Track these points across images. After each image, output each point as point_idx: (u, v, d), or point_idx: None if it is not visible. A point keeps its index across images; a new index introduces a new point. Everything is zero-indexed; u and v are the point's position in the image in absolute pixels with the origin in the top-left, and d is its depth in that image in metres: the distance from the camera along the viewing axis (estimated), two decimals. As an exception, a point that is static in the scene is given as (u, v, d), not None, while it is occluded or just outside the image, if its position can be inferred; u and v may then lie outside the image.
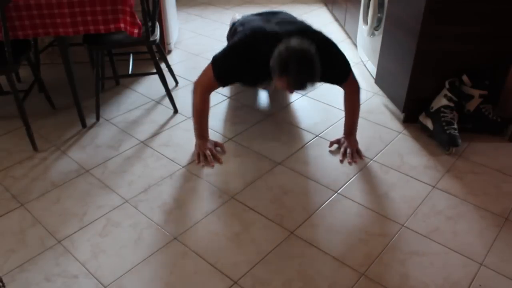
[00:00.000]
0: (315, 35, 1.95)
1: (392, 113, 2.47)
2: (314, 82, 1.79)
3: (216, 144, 2.17)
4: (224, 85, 2.04)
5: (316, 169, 2.04)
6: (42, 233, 1.69)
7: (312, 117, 2.44)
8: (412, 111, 2.32)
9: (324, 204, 1.84)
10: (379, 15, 2.65)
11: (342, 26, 3.67)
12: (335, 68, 2.01)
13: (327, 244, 1.64)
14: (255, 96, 2.66)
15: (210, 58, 2.01)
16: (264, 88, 2.67)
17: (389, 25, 2.39)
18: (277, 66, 1.77)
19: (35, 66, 2.38)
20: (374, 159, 2.10)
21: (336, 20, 3.86)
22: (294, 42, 1.76)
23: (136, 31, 2.03)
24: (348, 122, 2.16)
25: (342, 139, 2.18)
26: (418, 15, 2.06)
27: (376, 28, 2.69)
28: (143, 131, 2.32)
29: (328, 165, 2.07)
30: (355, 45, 3.32)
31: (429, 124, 2.22)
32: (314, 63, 1.75)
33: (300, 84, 1.78)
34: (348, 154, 2.10)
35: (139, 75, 2.56)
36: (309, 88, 1.81)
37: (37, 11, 1.96)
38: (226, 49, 1.99)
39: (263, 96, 2.67)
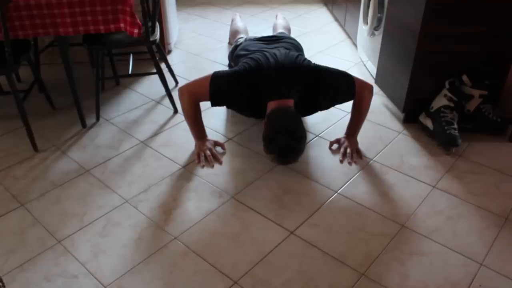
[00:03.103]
0: (310, 69, 2.01)
1: (392, 113, 2.47)
2: (297, 160, 1.95)
3: (216, 143, 2.17)
4: (214, 104, 2.01)
5: (316, 169, 2.04)
6: (42, 233, 1.69)
7: (312, 117, 2.44)
8: (412, 111, 2.32)
9: (324, 204, 1.84)
10: (379, 15, 2.65)
11: (342, 26, 3.67)
12: (339, 94, 2.05)
13: (327, 244, 1.64)
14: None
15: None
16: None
17: (389, 25, 2.39)
18: (264, 145, 1.88)
19: (35, 66, 2.38)
20: (374, 159, 2.10)
21: (336, 20, 3.86)
22: (281, 126, 1.83)
23: (136, 31, 2.03)
24: (353, 123, 2.15)
25: (342, 139, 2.18)
26: (418, 15, 2.06)
27: (376, 28, 2.69)
28: (143, 131, 2.32)
29: (328, 165, 2.07)
30: (355, 45, 3.32)
31: (429, 124, 2.22)
32: (296, 149, 1.86)
33: (284, 163, 1.96)
34: (348, 154, 2.10)
35: (139, 75, 2.56)
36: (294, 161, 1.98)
37: (37, 11, 1.96)
38: (230, 72, 2.00)
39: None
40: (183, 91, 2.03)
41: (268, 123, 1.88)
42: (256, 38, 2.41)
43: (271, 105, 1.93)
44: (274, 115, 1.88)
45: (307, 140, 1.89)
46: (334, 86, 2.01)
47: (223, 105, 2.09)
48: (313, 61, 2.07)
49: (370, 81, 2.80)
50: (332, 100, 2.07)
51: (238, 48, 2.36)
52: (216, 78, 1.98)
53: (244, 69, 1.99)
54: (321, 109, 2.13)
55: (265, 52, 2.07)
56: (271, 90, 1.95)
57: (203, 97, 2.00)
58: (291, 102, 1.94)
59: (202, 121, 2.13)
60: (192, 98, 2.02)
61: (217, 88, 1.97)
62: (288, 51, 2.11)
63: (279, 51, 2.08)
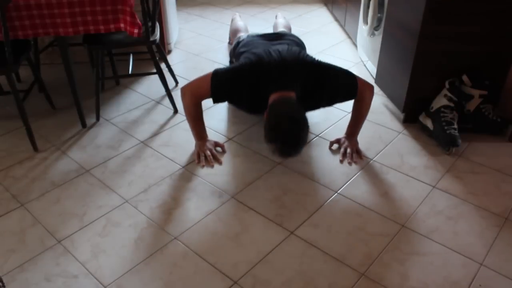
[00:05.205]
0: (313, 65, 2.00)
1: (392, 113, 2.47)
2: (300, 151, 1.85)
3: (216, 144, 2.17)
4: (216, 101, 2.03)
5: (316, 169, 2.04)
6: (42, 233, 1.69)
7: (312, 117, 2.44)
8: (412, 111, 2.32)
9: (324, 204, 1.84)
10: (379, 15, 2.65)
11: (342, 26, 3.67)
12: (341, 91, 2.03)
13: (327, 244, 1.64)
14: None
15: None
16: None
17: (389, 25, 2.39)
18: (266, 134, 1.83)
19: (35, 66, 2.38)
20: (374, 159, 2.10)
21: (336, 20, 3.86)
22: (284, 113, 1.80)
23: (136, 31, 2.03)
24: (354, 124, 2.15)
25: (343, 139, 2.18)
26: (418, 15, 2.06)
27: (376, 28, 2.69)
28: (143, 131, 2.32)
29: (328, 165, 2.07)
30: (355, 45, 3.32)
31: (429, 124, 2.23)
32: (299, 137, 1.79)
33: (286, 154, 1.85)
34: (348, 154, 2.10)
35: (139, 75, 2.56)
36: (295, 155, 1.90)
37: (37, 11, 1.96)
38: (230, 69, 2.01)
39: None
40: (185, 90, 2.03)
41: (269, 112, 1.86)
42: (258, 35, 2.41)
43: (273, 97, 1.91)
44: (276, 104, 1.86)
45: (309, 132, 1.85)
46: (337, 83, 2.00)
47: (224, 101, 2.09)
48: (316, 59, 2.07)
49: (370, 81, 2.80)
50: (333, 98, 2.06)
51: (240, 44, 2.36)
52: (217, 75, 1.98)
53: (244, 64, 1.99)
54: (322, 106, 2.12)
55: (267, 48, 2.07)
56: (272, 83, 1.93)
57: (204, 95, 2.00)
58: (292, 94, 1.92)
59: (203, 121, 2.13)
60: (194, 97, 2.02)
61: (218, 85, 1.97)
62: (290, 47, 2.10)
63: (282, 47, 2.07)
